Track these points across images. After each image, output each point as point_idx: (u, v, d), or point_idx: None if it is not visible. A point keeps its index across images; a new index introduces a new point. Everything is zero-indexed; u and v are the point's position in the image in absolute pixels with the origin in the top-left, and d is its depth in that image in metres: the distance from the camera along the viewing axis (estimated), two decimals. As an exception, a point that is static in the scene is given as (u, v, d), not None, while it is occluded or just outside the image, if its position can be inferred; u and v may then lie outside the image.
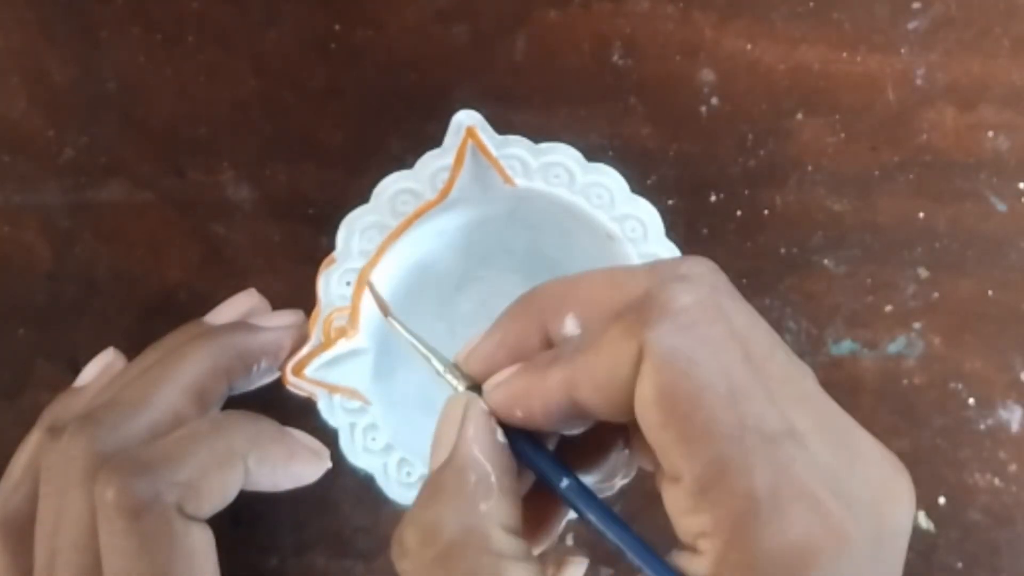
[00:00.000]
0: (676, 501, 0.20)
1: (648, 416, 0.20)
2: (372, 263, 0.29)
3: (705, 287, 0.21)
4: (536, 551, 0.24)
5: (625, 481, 0.30)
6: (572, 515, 0.29)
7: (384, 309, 0.28)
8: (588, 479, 0.27)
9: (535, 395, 0.22)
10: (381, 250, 0.29)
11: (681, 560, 0.20)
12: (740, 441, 0.19)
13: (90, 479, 0.26)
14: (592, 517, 0.22)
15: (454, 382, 0.25)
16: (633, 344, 0.20)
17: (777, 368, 0.21)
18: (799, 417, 0.20)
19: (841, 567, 0.19)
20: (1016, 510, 0.33)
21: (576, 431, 0.24)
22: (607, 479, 0.27)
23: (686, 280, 0.21)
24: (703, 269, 0.23)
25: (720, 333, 0.21)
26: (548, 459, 0.23)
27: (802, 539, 0.19)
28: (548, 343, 0.24)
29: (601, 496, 0.30)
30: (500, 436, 0.23)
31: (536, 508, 0.24)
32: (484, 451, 0.22)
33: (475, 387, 0.24)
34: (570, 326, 0.23)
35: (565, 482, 0.23)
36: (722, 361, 0.20)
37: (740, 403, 0.20)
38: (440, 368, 0.25)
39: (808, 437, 0.20)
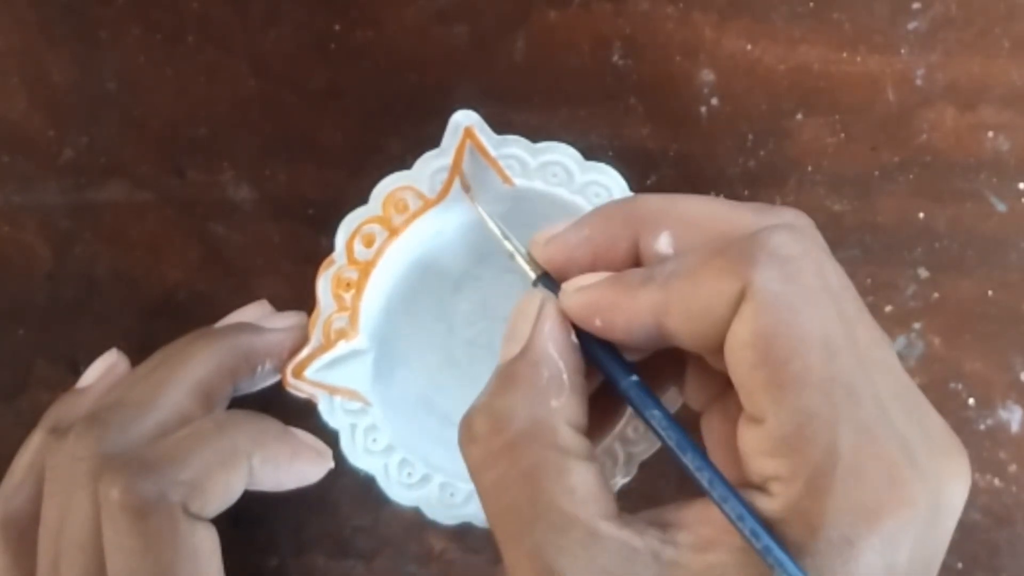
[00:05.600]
0: (754, 442, 0.21)
1: (740, 355, 0.20)
2: (372, 263, 0.29)
3: (809, 240, 0.22)
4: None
5: (626, 480, 0.30)
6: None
7: (466, 187, 0.28)
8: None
9: (621, 310, 0.22)
10: (380, 250, 0.29)
11: (747, 496, 0.21)
12: (829, 395, 0.20)
13: (96, 480, 0.26)
14: (653, 419, 0.22)
15: (527, 268, 0.25)
16: (735, 282, 0.20)
17: (864, 332, 0.21)
18: (881, 382, 0.20)
19: (902, 532, 0.19)
20: (1016, 510, 0.33)
21: (640, 356, 0.24)
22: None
23: (793, 230, 0.21)
24: (806, 223, 0.23)
25: (820, 287, 0.21)
26: (616, 360, 0.23)
27: (873, 499, 0.19)
28: (634, 255, 0.24)
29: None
30: (573, 336, 0.23)
31: (594, 408, 0.25)
32: (558, 348, 0.23)
33: (544, 276, 0.25)
34: (664, 244, 0.23)
35: (629, 381, 0.23)
36: (820, 315, 0.20)
37: (833, 358, 0.20)
38: (513, 250, 0.25)
39: (888, 403, 0.20)
